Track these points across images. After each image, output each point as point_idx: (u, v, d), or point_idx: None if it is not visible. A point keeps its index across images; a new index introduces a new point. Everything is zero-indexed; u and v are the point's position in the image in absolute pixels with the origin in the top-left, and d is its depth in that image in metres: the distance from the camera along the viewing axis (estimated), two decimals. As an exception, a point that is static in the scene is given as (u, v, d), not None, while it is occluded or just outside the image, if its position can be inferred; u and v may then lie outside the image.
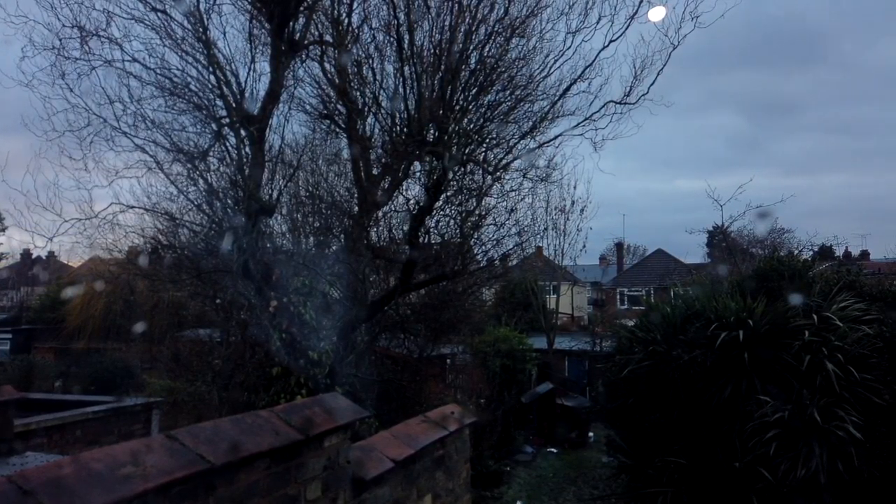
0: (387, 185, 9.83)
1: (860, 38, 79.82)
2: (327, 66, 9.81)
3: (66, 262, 33.30)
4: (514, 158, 10.03)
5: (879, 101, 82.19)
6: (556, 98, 9.57)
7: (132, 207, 8.39)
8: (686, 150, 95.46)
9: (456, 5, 8.64)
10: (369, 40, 9.45)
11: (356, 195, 10.43)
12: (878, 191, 75.95)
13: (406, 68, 8.48)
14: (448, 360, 16.87)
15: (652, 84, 9.04)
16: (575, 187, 29.95)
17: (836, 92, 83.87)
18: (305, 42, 8.71)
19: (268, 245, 8.62)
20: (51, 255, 34.81)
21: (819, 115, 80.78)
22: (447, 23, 8.69)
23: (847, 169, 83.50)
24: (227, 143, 8.26)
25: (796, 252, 16.41)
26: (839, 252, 26.14)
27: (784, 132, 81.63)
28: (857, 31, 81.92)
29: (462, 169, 9.54)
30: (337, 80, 9.65)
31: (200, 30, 7.94)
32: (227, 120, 8.18)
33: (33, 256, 40.17)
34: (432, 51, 8.85)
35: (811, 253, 17.99)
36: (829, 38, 75.85)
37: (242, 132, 7.99)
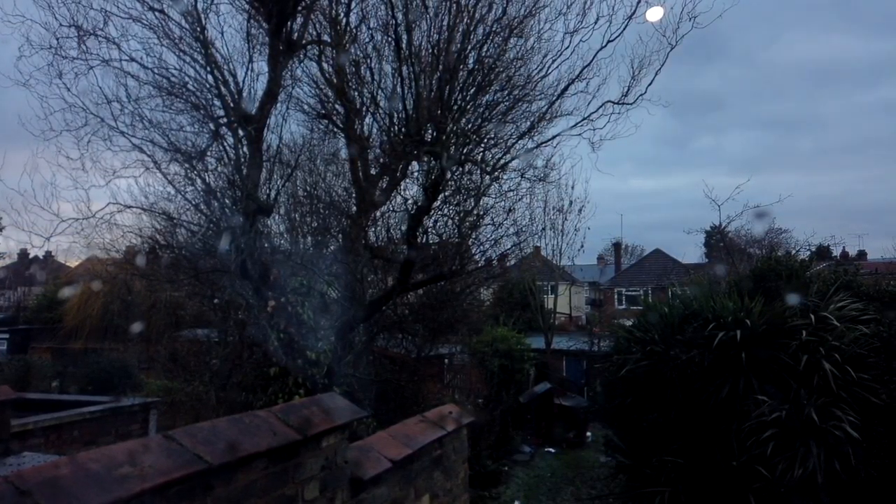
0: (385, 185, 9.83)
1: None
2: (325, 65, 9.81)
3: (63, 261, 33.23)
4: (512, 158, 10.03)
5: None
6: (554, 98, 9.56)
7: (130, 207, 8.38)
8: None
9: (454, 5, 8.63)
10: (367, 40, 9.46)
11: (354, 195, 10.43)
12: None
13: (404, 68, 8.47)
14: (446, 360, 16.87)
15: (650, 84, 9.04)
16: (573, 187, 29.92)
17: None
18: (303, 42, 8.71)
19: (266, 245, 8.61)
20: (48, 254, 34.73)
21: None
22: (445, 23, 8.68)
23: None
24: (225, 143, 8.26)
25: (794, 252, 16.43)
26: (836, 252, 26.17)
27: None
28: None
29: (460, 169, 9.53)
30: (335, 80, 9.65)
31: (198, 29, 7.93)
32: (225, 120, 8.17)
33: (30, 256, 40.17)
34: (430, 51, 8.84)
35: (808, 253, 18.01)
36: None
37: (240, 132, 7.98)
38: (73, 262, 28.74)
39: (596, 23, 8.75)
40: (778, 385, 8.62)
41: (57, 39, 7.52)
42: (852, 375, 8.22)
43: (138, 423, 10.09)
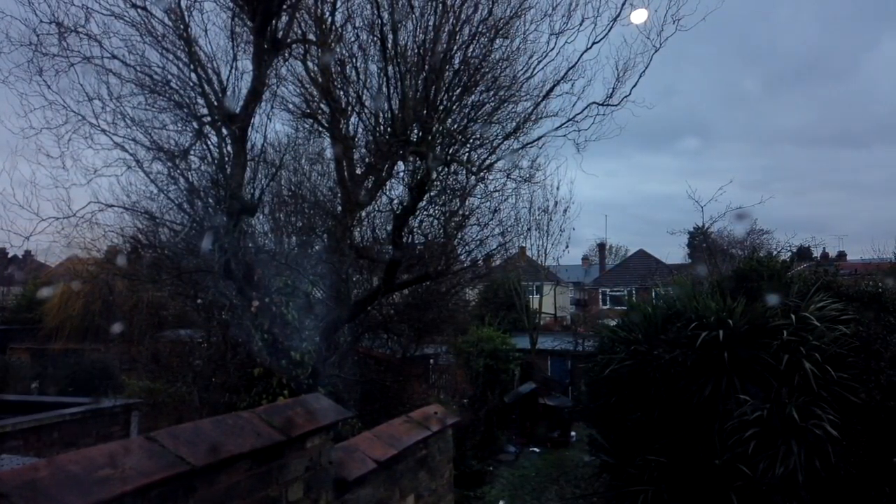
0: (370, 185, 9.80)
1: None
2: (310, 64, 9.76)
3: (43, 261, 32.68)
4: (498, 159, 10.05)
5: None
6: (540, 99, 9.60)
7: (111, 206, 8.26)
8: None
9: (440, 5, 8.63)
10: (353, 39, 9.43)
11: (339, 195, 10.39)
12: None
13: (390, 68, 8.46)
14: (431, 361, 16.87)
15: (634, 86, 9.10)
16: (558, 188, 30.06)
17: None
18: (288, 40, 8.65)
19: (250, 245, 8.53)
20: (27, 254, 34.13)
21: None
22: (431, 23, 8.68)
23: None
24: (209, 142, 8.18)
25: (775, 253, 16.61)
26: (817, 253, 26.56)
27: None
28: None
29: (446, 169, 9.53)
30: (320, 80, 9.61)
31: (181, 27, 7.86)
32: (209, 118, 8.10)
33: (9, 255, 39.45)
34: (416, 51, 8.83)
35: (789, 254, 18.23)
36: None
37: (224, 131, 7.91)
38: (53, 262, 28.30)
39: (581, 25, 8.81)
40: (760, 384, 8.72)
41: (37, 36, 7.40)
42: (832, 375, 8.34)
43: (119, 424, 9.99)
